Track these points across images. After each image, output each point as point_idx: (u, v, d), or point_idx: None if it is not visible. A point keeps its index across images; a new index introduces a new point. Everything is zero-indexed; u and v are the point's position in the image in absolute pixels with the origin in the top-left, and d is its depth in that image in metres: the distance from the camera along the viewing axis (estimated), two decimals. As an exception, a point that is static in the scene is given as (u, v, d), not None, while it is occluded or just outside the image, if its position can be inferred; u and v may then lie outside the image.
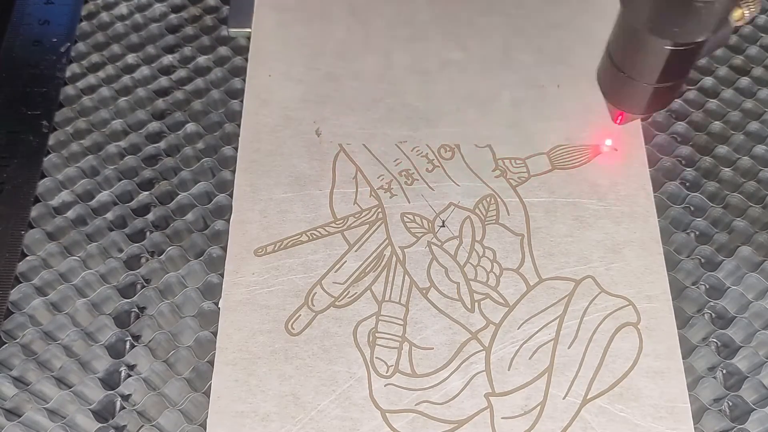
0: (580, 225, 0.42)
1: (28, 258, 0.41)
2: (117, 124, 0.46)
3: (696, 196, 0.43)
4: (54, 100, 0.47)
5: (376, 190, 0.43)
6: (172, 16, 0.51)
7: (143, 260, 0.42)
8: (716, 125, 0.46)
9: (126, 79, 0.48)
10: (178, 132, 0.46)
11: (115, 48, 0.50)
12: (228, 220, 0.42)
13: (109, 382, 0.39)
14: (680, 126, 0.46)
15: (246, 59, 0.48)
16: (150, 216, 0.43)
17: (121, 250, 0.42)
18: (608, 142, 0.44)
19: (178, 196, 0.44)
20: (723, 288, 0.41)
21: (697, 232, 0.43)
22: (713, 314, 0.40)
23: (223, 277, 0.40)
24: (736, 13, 0.38)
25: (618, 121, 0.44)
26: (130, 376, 0.39)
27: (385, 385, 0.37)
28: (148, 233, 0.43)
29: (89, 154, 0.45)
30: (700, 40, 0.35)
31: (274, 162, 0.44)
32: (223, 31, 0.50)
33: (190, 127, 0.46)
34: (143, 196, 0.44)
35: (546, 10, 0.50)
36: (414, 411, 0.37)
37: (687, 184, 0.44)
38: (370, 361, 0.38)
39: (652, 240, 0.41)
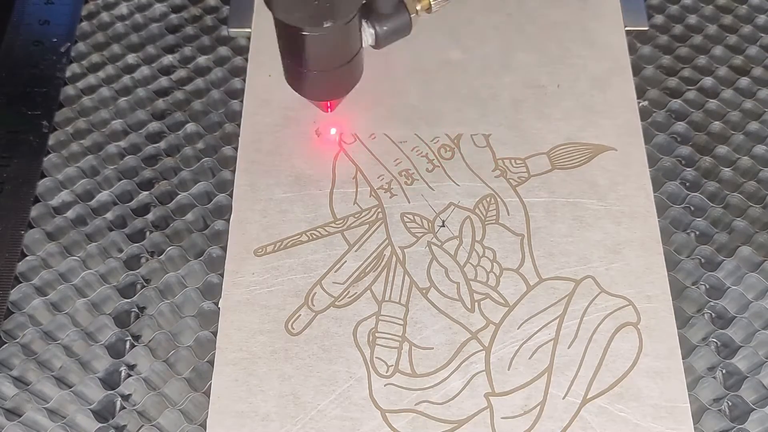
0: (580, 225, 0.42)
1: (28, 258, 0.41)
2: (117, 124, 0.46)
3: (696, 196, 0.43)
4: (54, 100, 0.47)
5: (376, 190, 0.43)
6: (173, 16, 0.51)
7: (143, 260, 0.42)
8: (716, 125, 0.46)
9: (126, 79, 0.48)
10: (178, 132, 0.46)
11: (115, 48, 0.50)
12: (228, 220, 0.42)
13: (109, 381, 0.39)
14: (680, 126, 0.46)
15: (246, 59, 0.48)
16: (150, 216, 0.43)
17: (121, 250, 0.42)
18: (333, 130, 0.45)
19: (178, 196, 0.44)
20: (723, 288, 0.41)
21: (697, 232, 0.43)
22: (713, 314, 0.40)
23: (223, 277, 0.40)
24: (423, 2, 0.39)
25: (329, 110, 0.44)
26: (130, 375, 0.39)
27: (385, 385, 0.37)
28: (148, 233, 0.43)
29: (89, 154, 0.45)
30: (327, 25, 0.37)
31: (274, 162, 0.44)
32: (223, 31, 0.50)
33: (190, 127, 0.46)
34: (143, 196, 0.44)
35: (546, 10, 0.50)
36: (414, 411, 0.37)
37: (687, 184, 0.44)
38: (370, 361, 0.38)
39: (652, 240, 0.41)
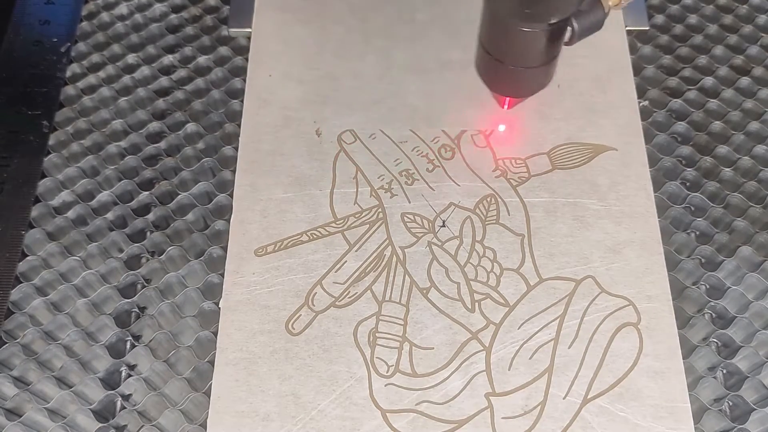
0: (580, 225, 0.42)
1: (28, 258, 0.41)
2: (117, 124, 0.46)
3: (696, 196, 0.43)
4: (54, 100, 0.47)
5: (377, 190, 0.43)
6: (173, 16, 0.51)
7: (143, 260, 0.42)
8: (716, 125, 0.46)
9: (126, 79, 0.48)
10: (179, 132, 0.46)
11: (116, 48, 0.50)
12: (228, 220, 0.42)
13: (110, 381, 0.39)
14: (680, 126, 0.46)
15: (246, 59, 0.48)
16: (150, 216, 0.43)
17: (121, 250, 0.42)
18: (501, 127, 0.45)
19: (179, 196, 0.44)
20: (723, 288, 0.41)
21: (698, 232, 0.43)
22: (713, 314, 0.40)
23: (223, 277, 0.40)
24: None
25: (506, 107, 0.44)
26: (130, 375, 0.39)
27: (385, 385, 0.37)
28: (148, 233, 0.43)
29: (89, 154, 0.45)
30: (554, 21, 0.36)
31: (274, 162, 0.44)
32: (223, 31, 0.50)
33: (191, 127, 0.46)
34: (143, 196, 0.44)
35: (546, 10, 0.50)
36: (414, 411, 0.37)
37: (687, 184, 0.44)
38: (371, 361, 0.38)
39: (653, 240, 0.41)
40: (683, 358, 0.38)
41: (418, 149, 0.44)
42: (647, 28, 0.49)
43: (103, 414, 0.38)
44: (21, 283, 0.41)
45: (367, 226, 0.42)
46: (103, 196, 0.44)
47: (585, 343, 0.38)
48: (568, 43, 0.39)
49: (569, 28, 0.39)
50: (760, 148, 0.45)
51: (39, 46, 0.49)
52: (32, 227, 0.42)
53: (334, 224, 0.42)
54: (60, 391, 0.38)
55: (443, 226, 0.42)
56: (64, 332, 0.39)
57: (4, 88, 0.47)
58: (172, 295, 0.41)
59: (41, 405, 0.38)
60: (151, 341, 0.39)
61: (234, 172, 0.44)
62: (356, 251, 0.41)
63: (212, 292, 0.41)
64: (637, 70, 0.48)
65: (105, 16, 0.51)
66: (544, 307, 0.39)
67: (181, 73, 0.48)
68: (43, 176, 0.44)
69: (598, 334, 0.38)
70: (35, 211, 0.43)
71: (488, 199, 0.42)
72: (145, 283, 0.41)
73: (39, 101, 0.47)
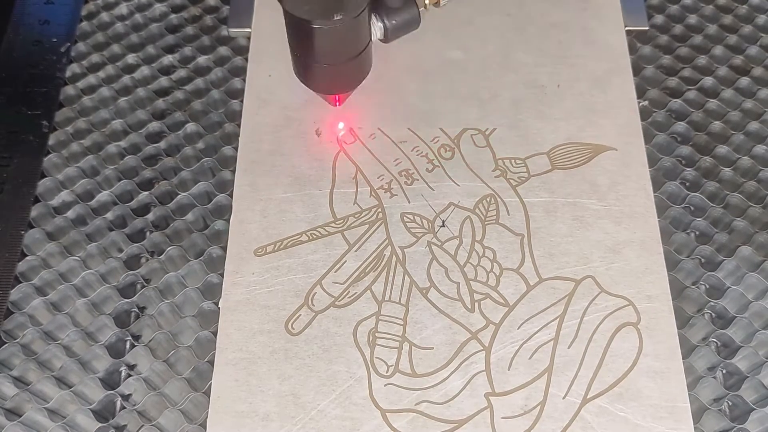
0: (580, 225, 0.42)
1: (28, 258, 0.41)
2: (117, 124, 0.46)
3: (696, 196, 0.43)
4: (54, 100, 0.47)
5: (376, 190, 0.43)
6: (172, 16, 0.51)
7: (143, 260, 0.42)
8: (716, 125, 0.46)
9: (126, 79, 0.48)
10: (178, 132, 0.46)
11: (115, 48, 0.50)
12: (228, 220, 0.42)
13: (110, 381, 0.39)
14: (680, 126, 0.46)
15: (246, 59, 0.48)
16: (150, 216, 0.43)
17: (121, 250, 0.42)
18: (341, 124, 0.45)
19: (178, 196, 0.44)
20: (723, 288, 0.41)
21: (697, 232, 0.43)
22: (713, 314, 0.40)
23: (223, 277, 0.40)
24: None
25: (338, 104, 0.44)
26: (130, 375, 0.39)
27: (385, 385, 0.37)
28: (148, 233, 0.43)
29: (89, 154, 0.45)
30: (339, 17, 0.37)
31: (274, 162, 0.44)
32: (223, 31, 0.50)
33: (190, 127, 0.46)
34: (143, 196, 0.44)
35: (546, 10, 0.50)
36: (414, 411, 0.37)
37: (687, 184, 0.44)
38: (370, 360, 0.38)
39: (652, 240, 0.41)
40: (683, 358, 0.38)
41: (418, 149, 0.44)
42: (647, 28, 0.50)
43: (103, 414, 0.38)
44: (20, 283, 0.41)
45: (367, 226, 0.42)
46: (103, 196, 0.44)
47: (585, 343, 0.38)
48: (384, 40, 0.40)
49: (380, 25, 0.39)
50: (759, 148, 0.45)
51: (39, 46, 0.49)
52: (32, 227, 0.42)
53: (333, 224, 0.42)
54: (60, 391, 0.38)
55: (443, 226, 0.42)
56: (64, 332, 0.39)
57: (4, 88, 0.47)
58: (172, 295, 0.41)
59: (41, 405, 0.38)
60: (150, 341, 0.39)
61: (234, 172, 0.44)
62: (356, 251, 0.41)
63: (212, 292, 0.41)
64: (637, 70, 0.48)
65: (105, 16, 0.51)
66: (544, 307, 0.39)
67: (181, 73, 0.48)
68: (43, 176, 0.44)
69: (598, 334, 0.38)
70: (35, 211, 0.43)
71: (488, 199, 0.42)
72: (145, 283, 0.41)
73: (39, 101, 0.47)
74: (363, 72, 0.42)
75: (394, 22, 0.41)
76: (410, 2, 0.40)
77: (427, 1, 0.40)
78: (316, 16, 0.37)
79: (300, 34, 0.39)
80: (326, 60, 0.40)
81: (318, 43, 0.38)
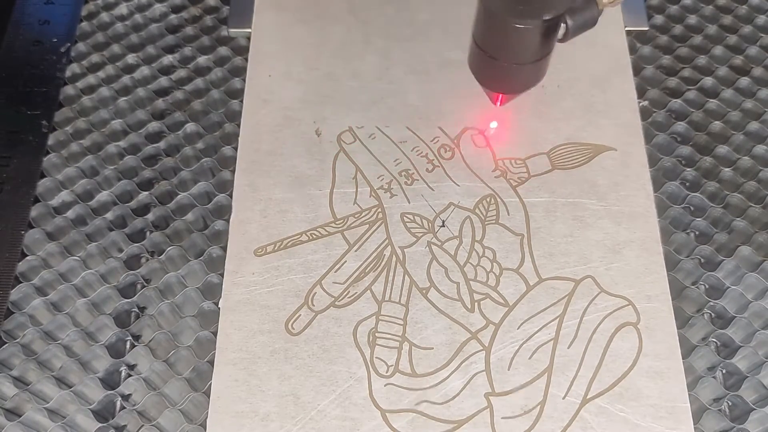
0: (580, 225, 0.42)
1: (28, 258, 0.41)
2: (117, 124, 0.46)
3: (696, 196, 0.43)
4: (54, 100, 0.47)
5: (376, 190, 0.43)
6: (172, 16, 0.51)
7: (143, 260, 0.42)
8: (716, 125, 0.46)
9: (126, 79, 0.48)
10: (178, 132, 0.46)
11: (115, 48, 0.50)
12: (228, 220, 0.42)
13: (110, 381, 0.39)
14: (680, 126, 0.46)
15: (246, 59, 0.48)
16: (150, 216, 0.43)
17: (121, 250, 0.42)
18: (493, 124, 0.45)
19: (178, 196, 0.44)
20: (723, 288, 0.41)
21: (697, 232, 0.43)
22: (713, 314, 0.40)
23: (223, 277, 0.40)
24: None
25: (498, 103, 0.44)
26: (130, 375, 0.39)
27: (385, 385, 0.37)
28: (148, 233, 0.43)
29: (89, 154, 0.45)
30: (547, 17, 0.36)
31: (274, 162, 0.44)
32: (223, 31, 0.50)
33: (190, 127, 0.46)
34: (143, 196, 0.44)
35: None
36: (414, 411, 0.37)
37: (687, 184, 0.44)
38: (370, 361, 0.38)
39: (652, 240, 0.41)
40: (683, 358, 0.38)
41: (418, 149, 0.44)
42: (647, 29, 0.50)
43: (103, 414, 0.38)
44: (20, 283, 0.41)
45: (367, 226, 0.42)
46: (103, 196, 0.44)
47: (584, 343, 0.38)
48: (561, 40, 0.40)
49: (563, 25, 0.39)
50: (759, 148, 0.45)
51: (39, 46, 0.49)
52: (32, 227, 0.42)
53: (333, 224, 0.42)
54: (60, 391, 0.38)
55: (443, 226, 0.42)
56: (64, 332, 0.39)
57: (4, 88, 0.47)
58: (172, 295, 0.41)
59: (41, 405, 0.38)
60: (150, 341, 0.39)
61: (233, 172, 0.44)
62: (356, 251, 0.41)
63: (212, 292, 0.41)
64: (637, 70, 0.48)
65: (105, 16, 0.51)
66: (544, 307, 0.39)
67: (181, 73, 0.48)
68: (43, 176, 0.44)
69: (598, 334, 0.38)
70: (35, 211, 0.43)
71: (488, 199, 0.42)
72: (145, 283, 0.41)
73: (39, 101, 0.47)
74: (541, 74, 0.41)
75: (576, 21, 0.40)
76: (591, 1, 0.39)
77: (605, 0, 0.39)
78: (525, 16, 0.36)
79: (494, 30, 0.38)
80: (515, 59, 0.39)
81: (512, 42, 0.38)
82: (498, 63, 0.39)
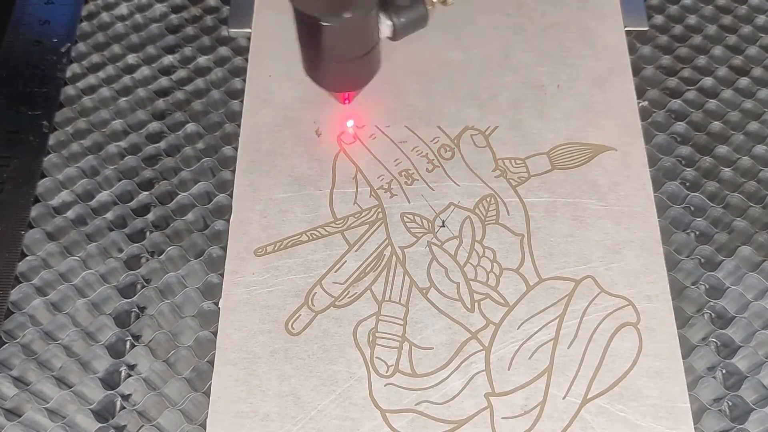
0: (580, 225, 0.42)
1: (28, 258, 0.41)
2: (117, 124, 0.46)
3: (696, 196, 0.43)
4: (54, 100, 0.47)
5: (376, 190, 0.43)
6: (173, 16, 0.51)
7: (143, 260, 0.42)
8: (716, 125, 0.46)
9: (126, 80, 0.48)
10: (178, 132, 0.46)
11: (116, 48, 0.50)
12: (228, 220, 0.42)
13: (109, 382, 0.39)
14: (680, 126, 0.46)
15: (246, 59, 0.48)
16: (150, 216, 0.43)
17: (121, 250, 0.42)
18: (350, 122, 0.45)
19: (178, 196, 0.44)
20: (723, 288, 0.41)
21: (697, 232, 0.43)
22: (713, 314, 0.40)
23: (223, 277, 0.40)
24: None
25: (347, 102, 0.45)
26: (130, 375, 0.39)
27: (385, 385, 0.37)
28: (148, 233, 0.43)
29: (89, 154, 0.45)
30: (348, 15, 0.37)
31: (274, 162, 0.44)
32: (223, 32, 0.50)
33: (190, 127, 0.46)
34: (143, 196, 0.44)
35: (546, 10, 0.50)
36: (414, 411, 0.37)
37: (687, 184, 0.44)
38: (370, 361, 0.38)
39: (652, 240, 0.41)
40: (683, 358, 0.38)
41: (418, 149, 0.44)
42: (646, 29, 0.50)
43: (103, 414, 0.38)
44: (21, 283, 0.41)
45: (367, 226, 0.42)
46: (103, 196, 0.44)
47: (584, 343, 0.38)
48: (392, 38, 0.40)
49: (389, 24, 0.40)
50: (759, 148, 0.45)
51: (39, 46, 0.49)
52: (32, 227, 0.42)
53: (333, 224, 0.42)
54: (60, 391, 0.38)
55: (443, 226, 0.42)
56: (64, 332, 0.39)
57: (4, 88, 0.47)
58: (172, 295, 0.41)
59: (41, 405, 0.38)
60: (150, 341, 0.39)
61: (234, 172, 0.44)
62: (356, 251, 0.41)
63: (212, 292, 0.41)
64: (637, 70, 0.48)
65: (105, 17, 0.51)
66: (544, 307, 0.39)
67: (181, 73, 0.48)
68: (43, 176, 0.44)
69: (598, 334, 0.38)
70: (35, 211, 0.43)
71: (488, 199, 0.42)
72: (145, 283, 0.41)
73: (39, 101, 0.47)
74: (372, 70, 0.42)
75: (402, 20, 0.41)
76: (418, 0, 0.40)
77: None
78: (325, 14, 0.37)
79: (309, 31, 0.39)
80: (335, 57, 0.40)
81: (327, 40, 0.39)
82: (325, 62, 0.40)
